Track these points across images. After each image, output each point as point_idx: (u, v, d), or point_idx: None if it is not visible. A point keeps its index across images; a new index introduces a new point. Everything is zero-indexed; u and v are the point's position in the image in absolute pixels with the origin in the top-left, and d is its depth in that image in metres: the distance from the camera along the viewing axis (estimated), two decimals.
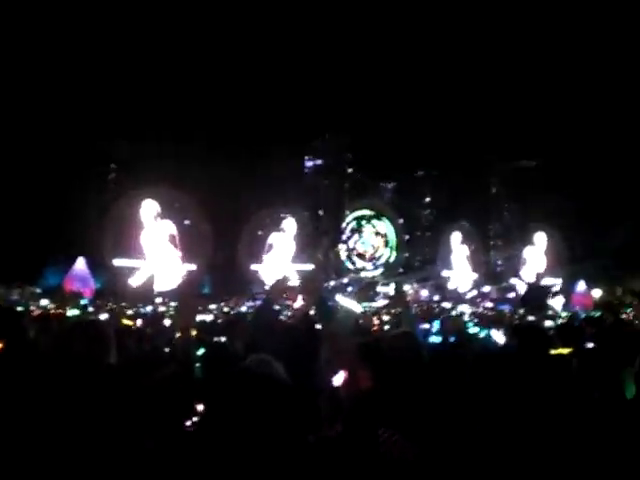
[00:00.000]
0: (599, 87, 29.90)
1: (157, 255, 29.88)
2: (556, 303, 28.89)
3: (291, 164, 31.14)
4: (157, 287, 28.58)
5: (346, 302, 5.42)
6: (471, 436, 2.52)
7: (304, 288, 5.19)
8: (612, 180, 29.65)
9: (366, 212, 36.89)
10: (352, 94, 29.98)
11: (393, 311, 12.01)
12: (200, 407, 3.26)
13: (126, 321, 9.16)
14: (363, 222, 36.98)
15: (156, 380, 3.49)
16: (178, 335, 4.67)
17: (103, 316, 11.80)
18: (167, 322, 8.93)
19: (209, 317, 10.96)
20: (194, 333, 4.60)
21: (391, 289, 25.44)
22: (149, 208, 30.04)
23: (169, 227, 30.32)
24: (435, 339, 6.29)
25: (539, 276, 24.43)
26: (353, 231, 36.68)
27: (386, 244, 37.32)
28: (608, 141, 30.12)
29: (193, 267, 30.11)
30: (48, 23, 25.86)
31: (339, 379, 3.32)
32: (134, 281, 28.93)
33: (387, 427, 2.57)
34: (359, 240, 36.85)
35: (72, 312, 11.91)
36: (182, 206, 30.60)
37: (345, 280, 32.11)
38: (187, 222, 30.80)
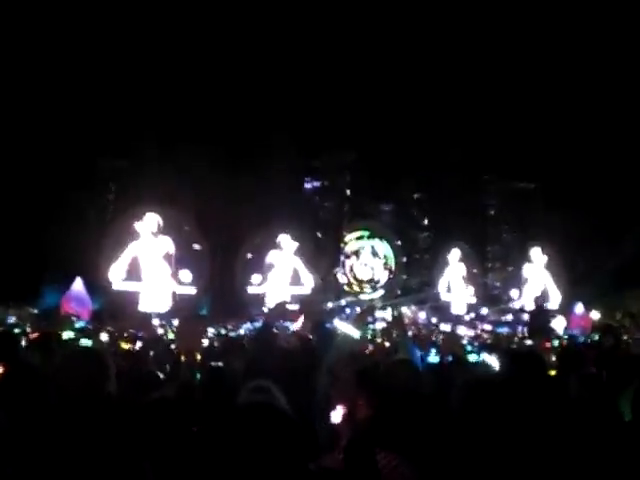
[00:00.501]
0: (597, 110, 30.04)
1: (153, 274, 29.83)
2: (557, 325, 28.84)
3: (290, 185, 31.18)
4: (153, 308, 28.51)
5: (344, 327, 5.43)
6: (469, 462, 2.51)
7: (303, 311, 5.21)
8: (611, 202, 29.72)
9: (364, 234, 36.90)
10: (352, 115, 30.07)
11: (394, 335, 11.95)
12: (200, 431, 3.25)
13: (124, 345, 9.15)
14: (361, 244, 36.97)
15: (156, 403, 3.48)
16: (183, 359, 4.67)
17: (102, 337, 11.78)
18: (171, 345, 8.90)
19: (206, 341, 10.93)
20: (198, 357, 4.61)
21: (389, 314, 25.43)
22: (150, 222, 30.03)
23: (167, 244, 30.29)
24: (433, 359, 6.29)
25: (539, 300, 24.38)
26: (351, 253, 36.66)
27: (384, 266, 37.30)
28: (607, 163, 30.22)
29: (192, 290, 30.08)
30: (43, 41, 25.94)
31: (338, 415, 3.32)
32: (133, 303, 28.88)
33: (386, 451, 2.58)
34: (357, 262, 36.82)
35: (67, 334, 11.83)
36: (181, 226, 30.61)
37: (343, 302, 32.07)
38: (186, 242, 30.76)
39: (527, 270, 36.97)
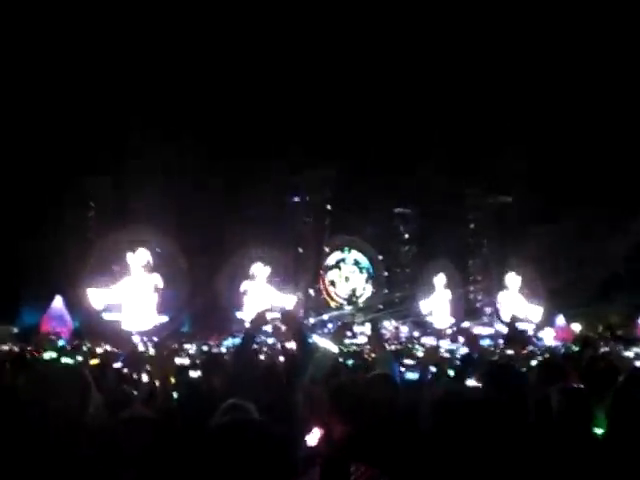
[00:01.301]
0: (580, 123, 30.37)
1: (137, 304, 29.81)
2: (546, 336, 29.00)
3: (271, 201, 31.17)
4: (135, 327, 28.37)
5: (322, 342, 5.41)
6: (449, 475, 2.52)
7: (285, 320, 5.18)
8: (593, 214, 29.99)
9: (346, 249, 36.96)
10: (334, 131, 30.12)
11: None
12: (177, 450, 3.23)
13: (94, 361, 9.07)
14: (343, 259, 37.02)
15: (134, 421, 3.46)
16: (158, 384, 4.63)
17: (80, 357, 11.69)
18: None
19: (186, 360, 10.84)
20: (173, 380, 4.57)
21: (368, 328, 25.38)
22: (140, 258, 30.17)
23: (155, 279, 30.39)
24: (411, 376, 6.22)
25: (515, 316, 24.58)
26: (332, 268, 36.69)
27: (365, 281, 37.35)
28: (590, 175, 30.51)
29: (164, 318, 30.00)
30: (23, 55, 25.82)
31: (314, 438, 3.31)
32: (113, 321, 28.73)
33: (363, 465, 2.58)
34: (338, 277, 36.85)
35: (49, 355, 11.73)
36: (162, 242, 30.55)
37: (325, 317, 32.06)
38: (168, 259, 30.70)
39: (507, 285, 37.26)
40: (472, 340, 7.32)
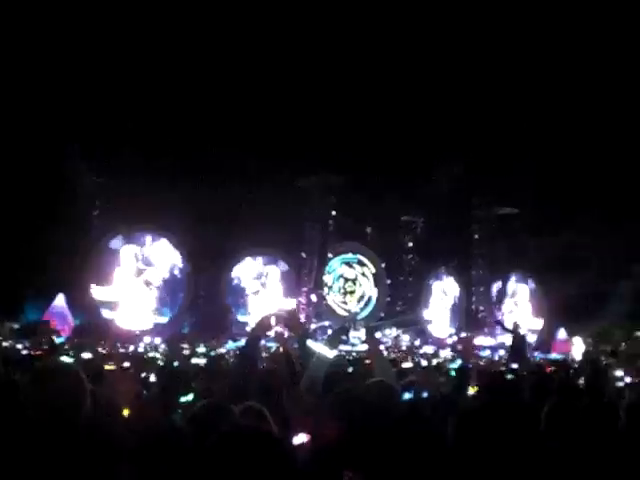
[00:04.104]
0: (582, 134, 30.34)
1: (134, 295, 29.83)
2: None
3: (275, 206, 31.18)
4: (135, 326, 28.38)
5: (317, 347, 5.39)
6: None
7: (287, 322, 5.17)
8: (596, 225, 29.96)
9: (349, 255, 36.92)
10: (339, 137, 30.08)
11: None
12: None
13: (108, 367, 9.06)
14: (345, 265, 36.99)
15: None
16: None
17: (85, 355, 11.70)
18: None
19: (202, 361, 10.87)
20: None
21: (362, 334, 25.30)
22: (141, 257, 30.26)
23: (156, 279, 30.44)
24: (406, 396, 6.06)
25: (518, 326, 24.53)
26: (335, 274, 36.67)
27: (367, 287, 37.32)
28: (594, 186, 30.50)
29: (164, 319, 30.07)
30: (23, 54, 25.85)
31: (299, 440, 3.28)
32: (116, 320, 28.74)
33: (354, 472, 2.56)
34: (341, 284, 36.81)
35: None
36: (164, 243, 30.62)
37: (327, 323, 32.00)
38: (169, 262, 30.77)
39: (510, 296, 37.25)
40: (467, 350, 7.25)
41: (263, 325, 5.11)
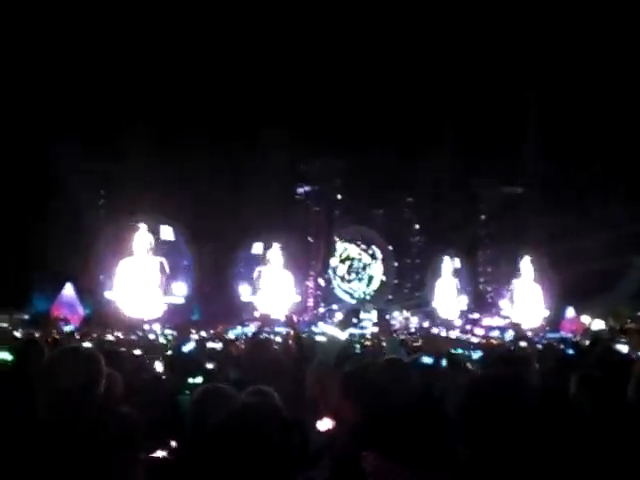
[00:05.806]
0: (585, 110, 30.16)
1: (145, 286, 29.95)
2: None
3: (281, 190, 31.13)
4: (144, 315, 28.45)
5: (329, 329, 5.40)
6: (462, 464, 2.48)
7: (287, 322, 5.25)
8: (605, 205, 29.85)
9: (356, 239, 36.92)
10: (343, 120, 29.99)
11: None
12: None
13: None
14: (353, 249, 36.99)
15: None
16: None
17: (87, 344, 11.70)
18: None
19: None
20: None
21: (374, 316, 25.38)
22: (149, 245, 30.35)
23: (164, 266, 30.51)
24: (426, 360, 6.07)
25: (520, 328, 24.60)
26: (343, 258, 36.67)
27: (375, 270, 37.32)
28: (599, 164, 30.38)
29: (181, 300, 30.21)
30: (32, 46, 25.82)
31: (324, 426, 3.27)
32: (124, 308, 28.85)
33: (376, 453, 2.54)
34: (349, 267, 36.83)
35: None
36: (171, 230, 30.65)
37: (335, 307, 32.06)
38: (176, 249, 30.80)
39: (518, 276, 37.10)
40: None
41: (263, 322, 5.20)
